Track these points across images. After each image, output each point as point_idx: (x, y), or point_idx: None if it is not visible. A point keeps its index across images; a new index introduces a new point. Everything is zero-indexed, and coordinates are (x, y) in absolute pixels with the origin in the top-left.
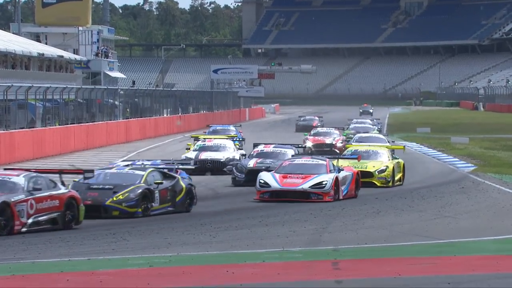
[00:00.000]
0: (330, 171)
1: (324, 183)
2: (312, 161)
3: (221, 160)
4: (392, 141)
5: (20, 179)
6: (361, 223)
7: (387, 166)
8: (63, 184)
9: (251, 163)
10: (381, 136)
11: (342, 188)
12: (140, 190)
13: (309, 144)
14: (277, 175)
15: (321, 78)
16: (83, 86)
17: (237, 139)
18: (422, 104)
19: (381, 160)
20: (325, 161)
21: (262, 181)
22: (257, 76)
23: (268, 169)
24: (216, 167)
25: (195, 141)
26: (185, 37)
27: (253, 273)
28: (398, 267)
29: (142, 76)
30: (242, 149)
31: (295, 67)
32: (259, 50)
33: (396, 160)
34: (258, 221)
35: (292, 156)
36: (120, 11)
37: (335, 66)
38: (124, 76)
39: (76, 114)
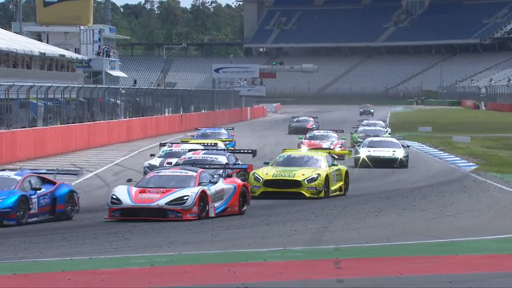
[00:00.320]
0: (201, 184)
1: (185, 198)
2: (180, 172)
3: None
4: (407, 146)
5: None
6: (362, 222)
7: (318, 174)
8: None
9: None
10: (394, 140)
11: (216, 204)
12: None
13: (304, 148)
14: (133, 190)
15: (322, 77)
16: (84, 85)
17: (226, 144)
18: (423, 103)
19: (314, 168)
20: (196, 172)
21: (114, 197)
22: (259, 75)
23: None
24: None
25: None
26: (186, 36)
27: (254, 272)
28: (400, 266)
29: (144, 75)
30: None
31: (297, 66)
32: (261, 49)
33: (336, 167)
34: (259, 220)
35: (226, 164)
36: (122, 10)
37: (336, 65)
38: (125, 75)
39: (78, 113)
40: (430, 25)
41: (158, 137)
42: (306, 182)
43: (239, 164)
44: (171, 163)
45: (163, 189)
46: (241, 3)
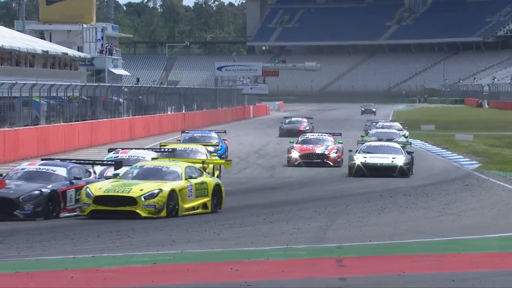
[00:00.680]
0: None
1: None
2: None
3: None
4: (411, 152)
5: None
6: (365, 221)
7: (160, 190)
8: None
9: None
10: (395, 145)
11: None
12: None
13: (294, 154)
14: None
15: (325, 75)
16: (87, 84)
17: (216, 150)
18: (426, 102)
19: (162, 181)
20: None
21: None
22: (261, 74)
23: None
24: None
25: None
26: (189, 34)
27: (257, 270)
28: (402, 264)
29: (146, 73)
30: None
31: (299, 65)
32: (263, 48)
33: (198, 181)
34: (262, 218)
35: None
36: (124, 9)
37: (339, 64)
38: (128, 74)
39: (81, 112)
40: (433, 23)
41: (160, 135)
42: (143, 199)
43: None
44: (118, 174)
45: None
46: (243, 1)
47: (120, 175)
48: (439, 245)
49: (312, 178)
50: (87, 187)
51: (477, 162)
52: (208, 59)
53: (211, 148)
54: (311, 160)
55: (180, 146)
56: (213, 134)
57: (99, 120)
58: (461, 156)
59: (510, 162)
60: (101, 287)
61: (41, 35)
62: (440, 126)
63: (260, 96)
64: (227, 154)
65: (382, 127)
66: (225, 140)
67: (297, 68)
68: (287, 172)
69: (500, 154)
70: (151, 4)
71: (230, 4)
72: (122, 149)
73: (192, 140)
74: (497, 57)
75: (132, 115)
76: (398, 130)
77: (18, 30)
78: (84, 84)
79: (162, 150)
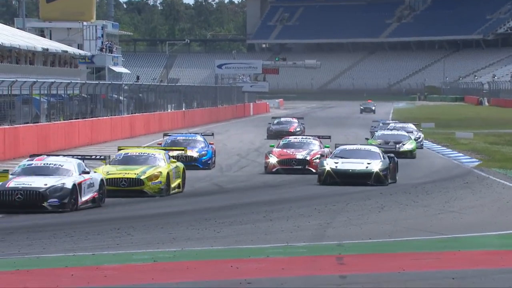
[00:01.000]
0: None
1: None
2: None
3: (40, 190)
4: (391, 157)
5: None
6: (365, 218)
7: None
8: None
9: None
10: (373, 148)
11: None
12: None
13: (272, 160)
14: None
15: (325, 73)
16: (87, 81)
17: (201, 155)
18: (426, 99)
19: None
20: None
21: None
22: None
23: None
24: (30, 201)
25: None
26: (189, 32)
27: (257, 268)
28: (402, 262)
29: (147, 71)
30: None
31: (299, 62)
32: (264, 45)
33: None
34: (262, 216)
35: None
36: (125, 6)
37: (339, 61)
38: (128, 71)
39: (81, 109)
40: (433, 21)
41: (161, 133)
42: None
43: None
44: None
45: None
46: None
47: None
48: (439, 243)
49: (312, 176)
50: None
51: (477, 160)
52: (208, 57)
53: (174, 153)
54: (291, 166)
55: (133, 151)
56: (199, 137)
57: (99, 118)
58: (461, 154)
59: (510, 159)
60: (101, 285)
61: (41, 32)
62: (440, 124)
63: (260, 94)
64: (215, 160)
65: (394, 129)
66: (212, 144)
67: (297, 66)
68: None
69: (500, 152)
70: (151, 2)
71: (230, 1)
72: (37, 155)
73: (174, 143)
74: (497, 54)
75: (132, 113)
76: (409, 132)
77: (18, 28)
78: (84, 82)
79: (93, 157)
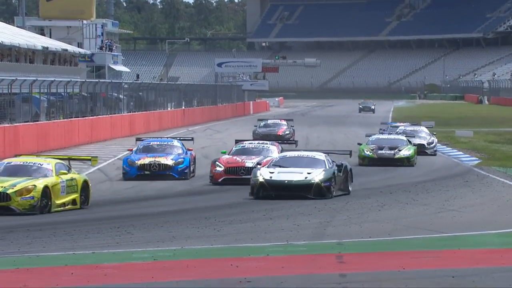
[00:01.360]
0: None
1: None
2: None
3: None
4: (341, 164)
5: None
6: (365, 217)
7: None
8: None
9: None
10: (317, 155)
11: None
12: None
13: (219, 168)
14: None
15: (325, 71)
16: (87, 80)
17: (178, 162)
18: (426, 98)
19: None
20: None
21: None
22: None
23: None
24: None
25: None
26: (189, 30)
27: (257, 266)
28: (402, 261)
29: (146, 69)
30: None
31: (299, 61)
32: (263, 44)
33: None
34: (262, 214)
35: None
36: (124, 5)
37: (339, 60)
38: (128, 70)
39: (80, 108)
40: (433, 19)
41: (160, 131)
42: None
43: None
44: None
45: None
46: None
47: None
48: (439, 241)
49: None
50: None
51: (477, 159)
52: (208, 55)
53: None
54: (239, 176)
55: (17, 160)
56: (176, 143)
57: (99, 116)
58: (461, 153)
59: (510, 158)
60: (101, 284)
61: (41, 31)
62: (440, 122)
63: (260, 92)
64: (194, 168)
65: (403, 133)
66: (191, 150)
67: (297, 64)
68: None
69: (500, 150)
70: (151, 0)
71: (230, 0)
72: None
73: (148, 149)
74: (497, 53)
75: (132, 112)
76: (416, 135)
77: (18, 26)
78: (84, 80)
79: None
